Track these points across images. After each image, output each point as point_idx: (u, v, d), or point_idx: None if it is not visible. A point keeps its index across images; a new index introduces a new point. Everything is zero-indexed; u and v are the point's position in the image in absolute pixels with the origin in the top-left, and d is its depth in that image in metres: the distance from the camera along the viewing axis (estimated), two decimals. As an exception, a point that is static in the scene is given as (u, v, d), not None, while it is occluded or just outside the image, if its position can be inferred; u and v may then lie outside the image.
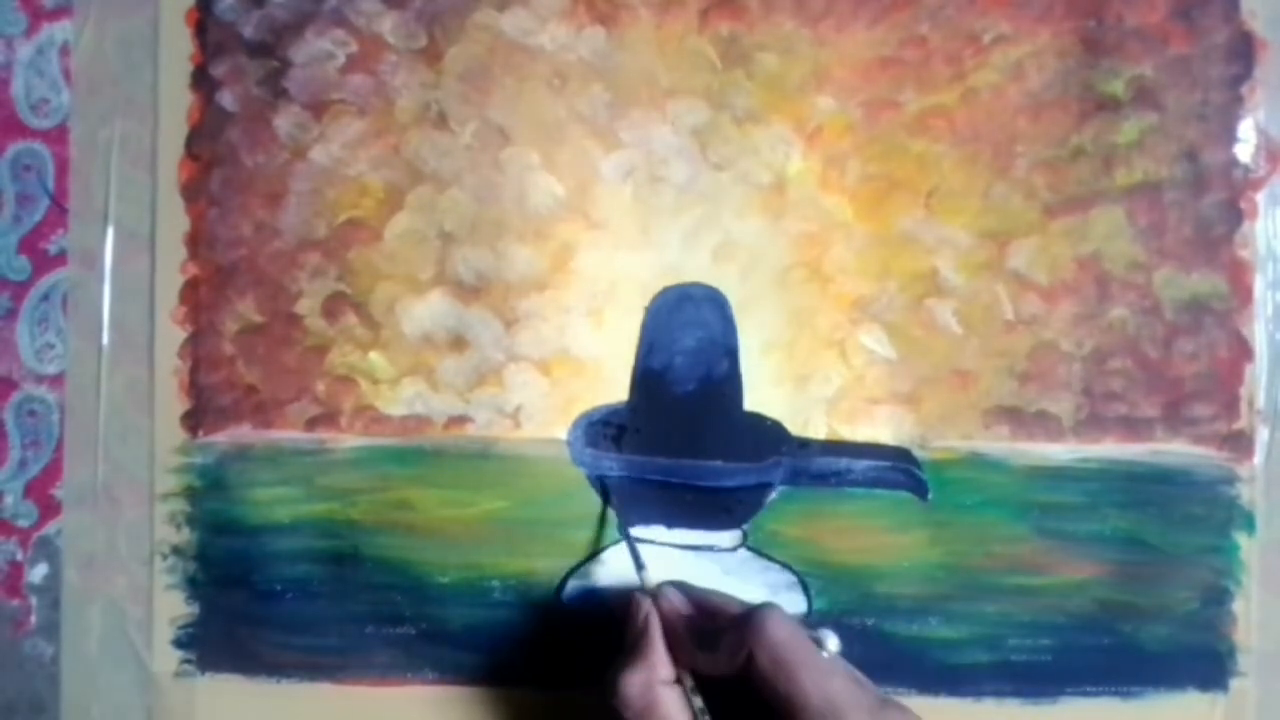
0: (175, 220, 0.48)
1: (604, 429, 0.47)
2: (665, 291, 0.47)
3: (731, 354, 0.47)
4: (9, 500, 0.48)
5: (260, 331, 0.48)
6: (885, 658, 0.46)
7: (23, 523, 0.49)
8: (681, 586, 0.44)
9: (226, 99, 0.48)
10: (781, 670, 0.37)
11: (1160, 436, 0.47)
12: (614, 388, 0.47)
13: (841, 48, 0.47)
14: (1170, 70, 0.47)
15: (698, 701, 0.40)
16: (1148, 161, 0.47)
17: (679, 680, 0.40)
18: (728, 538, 0.47)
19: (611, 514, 0.47)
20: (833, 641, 0.39)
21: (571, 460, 0.47)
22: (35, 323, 0.48)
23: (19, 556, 0.49)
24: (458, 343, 0.48)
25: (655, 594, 0.42)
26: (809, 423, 0.47)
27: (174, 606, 0.48)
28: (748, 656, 0.38)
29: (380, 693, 0.47)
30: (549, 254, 0.48)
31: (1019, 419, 0.47)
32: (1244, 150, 0.47)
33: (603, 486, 0.47)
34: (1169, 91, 0.47)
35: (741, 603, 0.42)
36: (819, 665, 0.38)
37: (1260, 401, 0.47)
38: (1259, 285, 0.47)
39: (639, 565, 0.45)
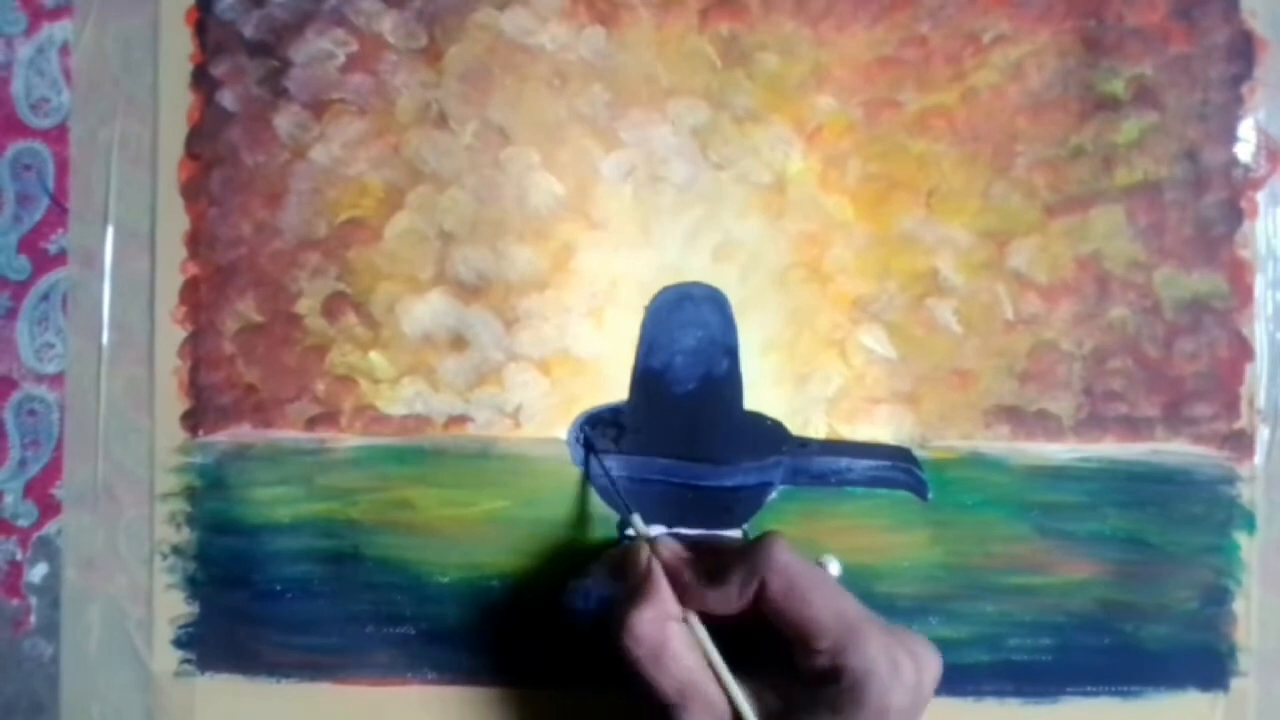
0: (175, 220, 0.48)
1: (604, 429, 0.47)
2: (665, 291, 0.47)
3: (731, 353, 0.47)
4: (9, 500, 0.48)
5: (260, 331, 0.48)
6: (885, 657, 0.46)
7: (22, 522, 0.48)
8: (675, 534, 0.43)
9: (226, 98, 0.48)
10: (795, 593, 0.38)
11: (1160, 436, 0.47)
12: (614, 387, 0.47)
13: (842, 47, 0.47)
14: (1170, 70, 0.47)
15: (706, 639, 0.40)
16: (1148, 161, 0.47)
17: (684, 620, 0.40)
18: (728, 538, 0.47)
19: (614, 514, 0.47)
20: (834, 566, 0.40)
21: (571, 460, 0.47)
22: (35, 322, 0.48)
23: (19, 556, 0.49)
24: (458, 342, 0.48)
25: (652, 541, 0.42)
26: (809, 422, 0.47)
27: (174, 606, 0.48)
28: (759, 585, 0.38)
29: (380, 693, 0.47)
30: (549, 254, 0.48)
31: (1019, 418, 0.47)
32: (1244, 150, 0.47)
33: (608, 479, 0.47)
34: (1169, 91, 0.47)
35: (738, 541, 0.43)
36: (831, 587, 0.38)
37: (1261, 401, 0.47)
38: (1259, 285, 0.47)
39: (627, 509, 0.45)
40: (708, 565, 0.40)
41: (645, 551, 0.41)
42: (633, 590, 0.41)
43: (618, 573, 0.43)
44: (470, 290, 0.48)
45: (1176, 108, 0.47)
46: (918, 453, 0.47)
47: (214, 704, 0.48)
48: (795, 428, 0.47)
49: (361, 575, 0.47)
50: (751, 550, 0.39)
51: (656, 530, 0.45)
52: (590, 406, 0.47)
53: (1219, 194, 0.47)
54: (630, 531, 0.47)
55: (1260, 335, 0.47)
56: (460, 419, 0.47)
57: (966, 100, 0.47)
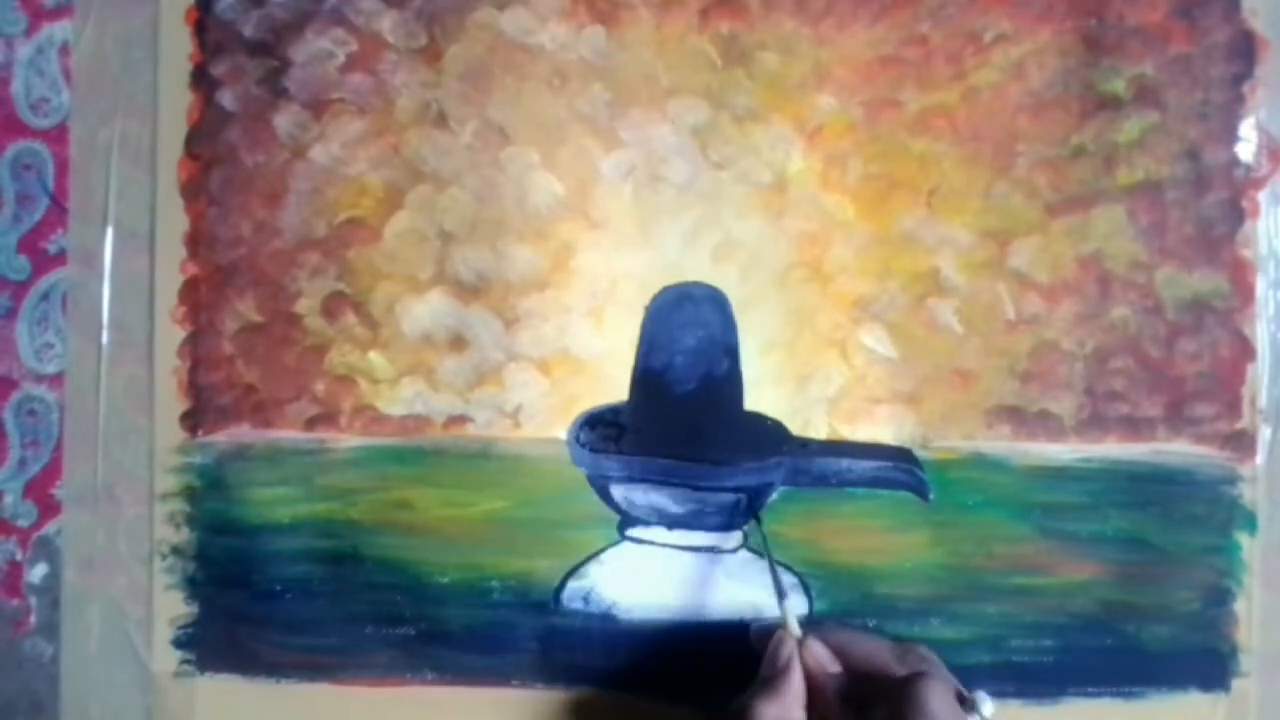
0: (175, 220, 0.48)
1: (604, 429, 0.47)
2: (665, 291, 0.47)
3: (732, 353, 0.47)
4: (9, 500, 0.48)
5: (260, 331, 0.48)
6: (886, 658, 0.46)
7: (22, 522, 0.49)
8: (824, 633, 0.42)
9: (226, 98, 0.48)
10: None
11: (1162, 436, 0.47)
12: (614, 387, 0.47)
13: (842, 47, 0.47)
14: (1171, 69, 0.47)
15: None
16: (1149, 160, 0.47)
17: None
18: (728, 539, 0.47)
19: (614, 514, 0.47)
20: (988, 707, 0.39)
21: (571, 460, 0.47)
22: (35, 322, 0.48)
23: (19, 556, 0.49)
24: (458, 342, 0.48)
25: (801, 644, 0.41)
26: (810, 422, 0.47)
27: (174, 606, 0.48)
28: None
29: (380, 693, 0.47)
30: (549, 253, 0.47)
31: (1020, 419, 0.47)
32: (1245, 149, 0.47)
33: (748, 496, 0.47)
34: (1170, 90, 0.47)
35: (890, 649, 0.41)
36: None
37: (1262, 401, 0.47)
38: (1261, 284, 0.47)
39: (781, 595, 0.44)
40: (853, 689, 0.40)
41: (789, 648, 0.41)
42: (765, 681, 0.40)
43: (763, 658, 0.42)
44: (470, 290, 0.48)
45: (1177, 107, 0.47)
46: (919, 453, 0.47)
47: (214, 704, 0.48)
48: (796, 428, 0.47)
49: (361, 575, 0.47)
50: (903, 693, 0.38)
51: (798, 608, 0.44)
52: (590, 406, 0.47)
53: (1220, 193, 0.47)
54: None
55: (1262, 335, 0.47)
56: (460, 419, 0.47)
57: (967, 100, 0.47)
